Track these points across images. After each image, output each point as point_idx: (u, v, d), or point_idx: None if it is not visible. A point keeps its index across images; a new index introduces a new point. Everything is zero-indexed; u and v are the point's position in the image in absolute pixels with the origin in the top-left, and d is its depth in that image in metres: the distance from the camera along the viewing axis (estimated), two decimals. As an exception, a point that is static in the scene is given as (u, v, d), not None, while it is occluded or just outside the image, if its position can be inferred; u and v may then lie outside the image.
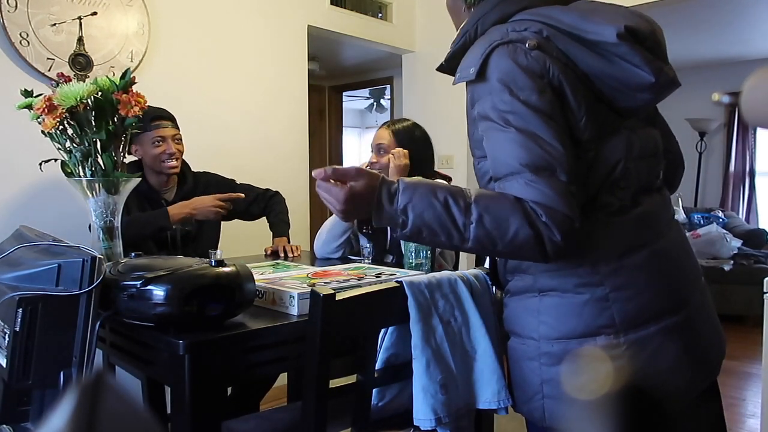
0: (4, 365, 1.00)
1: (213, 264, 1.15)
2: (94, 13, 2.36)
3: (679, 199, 5.26)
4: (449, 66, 1.14)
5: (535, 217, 0.92)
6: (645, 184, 1.06)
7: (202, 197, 2.05)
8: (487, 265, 1.29)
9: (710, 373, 1.07)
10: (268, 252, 2.19)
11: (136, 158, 2.07)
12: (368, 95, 7.31)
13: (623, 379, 0.27)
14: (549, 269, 1.02)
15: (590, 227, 0.98)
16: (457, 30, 1.15)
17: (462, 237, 0.95)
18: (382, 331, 1.23)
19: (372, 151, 2.12)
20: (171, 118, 2.08)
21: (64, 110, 1.43)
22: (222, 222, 2.27)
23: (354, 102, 7.54)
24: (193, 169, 2.27)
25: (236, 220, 2.32)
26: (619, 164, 1.01)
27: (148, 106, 2.00)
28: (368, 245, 1.96)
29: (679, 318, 1.01)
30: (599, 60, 0.98)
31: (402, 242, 1.79)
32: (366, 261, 1.92)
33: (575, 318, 1.00)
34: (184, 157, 2.14)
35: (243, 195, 2.14)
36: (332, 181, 0.98)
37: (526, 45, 0.98)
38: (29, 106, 1.51)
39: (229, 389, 2.21)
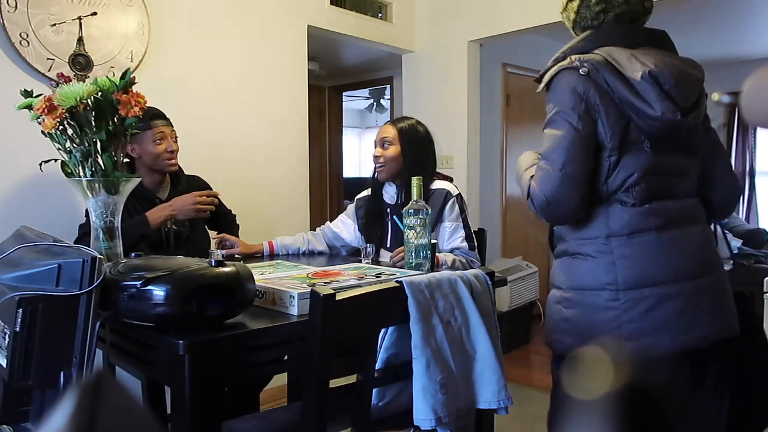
0: (4, 365, 1.00)
1: (213, 264, 1.15)
2: (94, 14, 2.36)
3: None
4: (542, 76, 1.48)
5: (530, 188, 1.40)
6: (660, 195, 1.36)
7: (181, 197, 2.04)
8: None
9: (695, 342, 1.33)
10: (216, 238, 2.19)
11: (131, 158, 2.06)
12: (368, 95, 7.31)
13: (623, 376, 0.27)
14: (577, 238, 1.42)
15: (608, 211, 1.37)
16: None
17: (521, 185, 1.49)
18: (382, 331, 1.23)
19: (375, 146, 2.15)
20: (167, 118, 2.09)
21: (64, 110, 1.43)
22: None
23: (354, 102, 7.54)
24: (186, 172, 2.26)
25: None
26: (633, 175, 1.34)
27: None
28: (368, 245, 1.96)
29: (674, 289, 1.32)
30: (628, 91, 1.31)
31: (404, 241, 1.79)
32: (366, 261, 1.92)
33: (589, 275, 1.38)
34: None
35: (219, 192, 2.15)
36: None
37: (580, 71, 1.34)
38: (29, 107, 1.51)
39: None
